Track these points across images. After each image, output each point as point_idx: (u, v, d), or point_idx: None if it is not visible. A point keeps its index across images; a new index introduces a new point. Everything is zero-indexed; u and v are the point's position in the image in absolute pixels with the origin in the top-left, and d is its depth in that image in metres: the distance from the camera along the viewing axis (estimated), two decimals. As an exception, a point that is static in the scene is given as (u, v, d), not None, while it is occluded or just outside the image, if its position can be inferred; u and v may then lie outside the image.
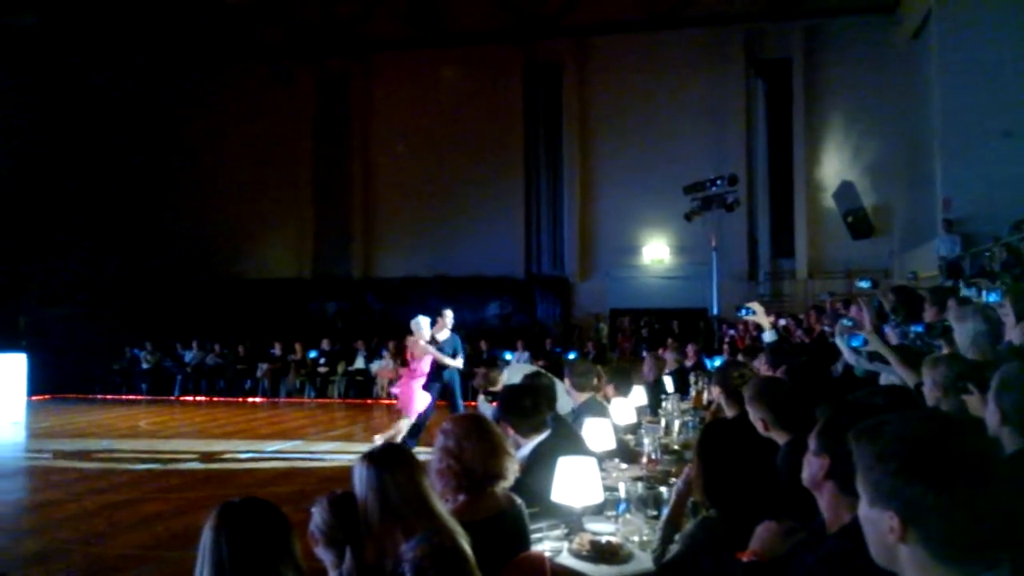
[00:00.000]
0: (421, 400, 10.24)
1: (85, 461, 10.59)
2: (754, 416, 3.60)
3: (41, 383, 18.16)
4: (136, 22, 22.48)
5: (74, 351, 20.01)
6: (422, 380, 10.31)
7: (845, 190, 19.77)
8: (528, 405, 3.99)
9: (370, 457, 2.64)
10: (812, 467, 2.27)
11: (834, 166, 20.65)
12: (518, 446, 3.73)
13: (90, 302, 21.16)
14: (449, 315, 10.90)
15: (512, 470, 3.03)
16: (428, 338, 10.42)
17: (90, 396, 18.97)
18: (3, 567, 6.15)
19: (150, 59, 23.27)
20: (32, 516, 7.87)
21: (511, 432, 3.95)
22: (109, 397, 19.05)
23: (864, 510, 1.50)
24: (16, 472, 10.51)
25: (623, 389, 6.19)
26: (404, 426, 10.18)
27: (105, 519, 7.49)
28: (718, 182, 17.78)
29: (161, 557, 6.35)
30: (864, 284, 8.75)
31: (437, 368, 10.38)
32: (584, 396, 5.38)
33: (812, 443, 2.31)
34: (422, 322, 10.43)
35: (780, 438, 3.50)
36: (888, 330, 5.54)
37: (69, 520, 7.46)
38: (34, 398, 17.68)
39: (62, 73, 22.05)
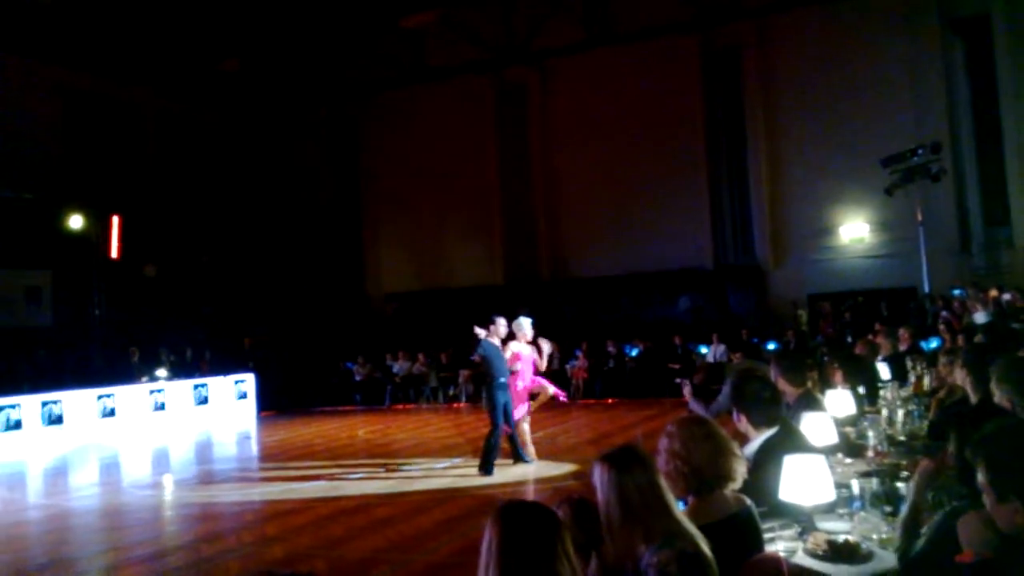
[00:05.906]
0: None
1: (314, 469, 11.33)
2: (1000, 397, 3.40)
3: (268, 399, 19.68)
4: (323, 56, 24.04)
5: (294, 368, 21.56)
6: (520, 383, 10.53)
7: (1065, 147, 18.08)
8: (767, 396, 3.88)
9: (609, 459, 2.64)
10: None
11: (1050, 123, 18.90)
12: (742, 443, 3.69)
13: (306, 322, 22.80)
14: (502, 323, 10.65)
15: (740, 472, 2.98)
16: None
17: (310, 408, 20.22)
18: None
19: (339, 90, 24.75)
20: (274, 523, 8.39)
21: (743, 421, 3.91)
22: (327, 408, 20.26)
23: None
24: (255, 481, 11.37)
25: (853, 378, 5.98)
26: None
27: (341, 524, 7.98)
28: (920, 151, 16.74)
29: (396, 560, 6.71)
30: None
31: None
32: (799, 390, 5.22)
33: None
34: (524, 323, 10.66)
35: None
36: None
37: (308, 526, 7.99)
38: (263, 413, 19.16)
39: (262, 109, 23.93)
